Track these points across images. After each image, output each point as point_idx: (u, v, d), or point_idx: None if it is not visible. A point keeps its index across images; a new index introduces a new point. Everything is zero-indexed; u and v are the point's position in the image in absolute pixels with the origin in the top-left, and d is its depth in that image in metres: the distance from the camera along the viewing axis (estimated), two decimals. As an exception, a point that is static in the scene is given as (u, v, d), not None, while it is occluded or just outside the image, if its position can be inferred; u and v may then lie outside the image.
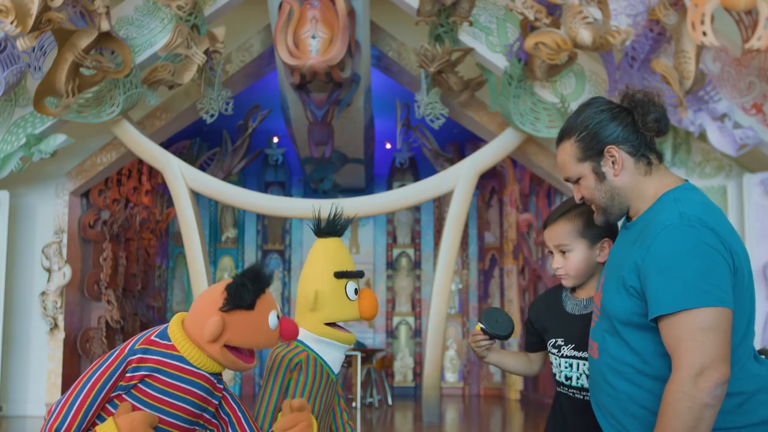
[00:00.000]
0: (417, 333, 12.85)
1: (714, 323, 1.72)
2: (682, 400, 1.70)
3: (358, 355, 10.02)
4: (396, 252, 13.18)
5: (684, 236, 1.77)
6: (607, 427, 1.94)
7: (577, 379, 2.20)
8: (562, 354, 2.23)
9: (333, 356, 2.30)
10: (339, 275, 2.28)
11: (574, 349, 2.21)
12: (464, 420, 9.51)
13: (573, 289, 2.30)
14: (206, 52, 7.23)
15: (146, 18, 7.49)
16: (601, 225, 2.05)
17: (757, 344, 6.75)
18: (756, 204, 6.92)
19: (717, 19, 5.83)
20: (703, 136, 6.82)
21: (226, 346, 1.92)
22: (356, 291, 2.31)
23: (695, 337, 1.71)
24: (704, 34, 5.61)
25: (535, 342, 2.39)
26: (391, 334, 12.90)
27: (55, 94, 6.94)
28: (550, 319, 2.31)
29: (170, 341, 1.92)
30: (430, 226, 13.13)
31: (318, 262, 2.33)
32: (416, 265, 13.11)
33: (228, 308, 1.89)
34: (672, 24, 6.05)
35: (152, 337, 1.93)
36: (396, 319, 12.97)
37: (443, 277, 8.14)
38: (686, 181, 1.96)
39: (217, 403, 2.01)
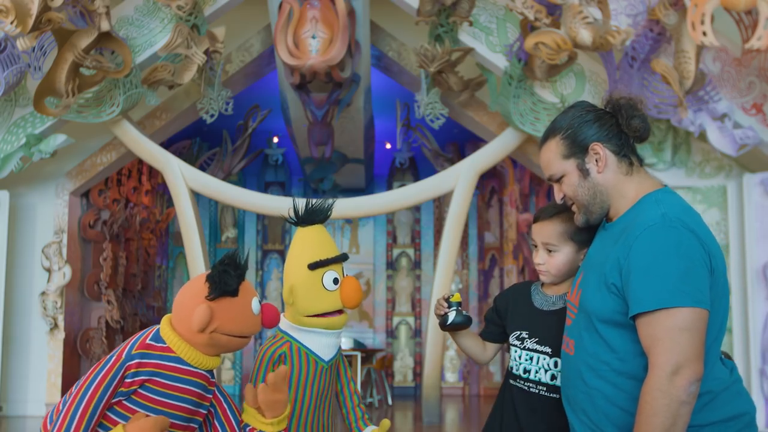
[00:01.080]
0: (417, 333, 12.85)
1: (690, 323, 1.76)
2: (660, 398, 1.74)
3: (358, 355, 10.02)
4: (396, 252, 13.17)
5: (665, 237, 1.81)
6: (578, 425, 1.96)
7: (536, 372, 2.21)
8: (525, 346, 2.23)
9: (320, 343, 2.24)
10: (313, 266, 2.21)
11: (537, 342, 2.21)
12: (464, 420, 9.51)
13: (543, 284, 2.31)
14: (206, 52, 7.23)
15: (146, 18, 7.49)
16: (581, 226, 2.07)
17: (757, 344, 6.75)
18: (756, 204, 6.92)
19: (717, 19, 5.83)
20: (703, 136, 6.82)
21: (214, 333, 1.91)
22: (336, 280, 2.24)
23: (672, 336, 1.75)
24: (704, 34, 5.61)
25: (494, 333, 2.38)
26: (391, 334, 12.90)
27: (55, 94, 6.94)
28: (516, 311, 2.31)
29: (165, 343, 1.92)
30: (430, 226, 13.13)
31: (293, 255, 2.27)
32: (416, 265, 13.11)
33: (214, 295, 1.90)
34: (672, 24, 6.05)
35: (147, 341, 1.92)
36: (396, 319, 12.96)
37: (443, 277, 8.14)
38: (665, 185, 2.01)
39: (211, 397, 2.01)
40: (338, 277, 2.24)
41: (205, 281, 1.93)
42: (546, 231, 2.21)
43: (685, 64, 6.08)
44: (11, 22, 6.03)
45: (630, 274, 1.82)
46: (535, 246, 2.25)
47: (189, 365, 1.91)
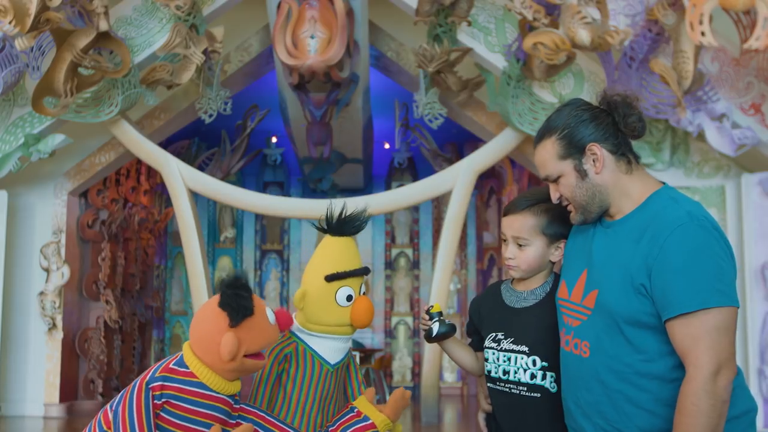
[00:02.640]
0: (415, 333, 12.85)
1: (727, 323, 1.78)
2: (705, 398, 1.74)
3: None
4: (394, 252, 13.17)
5: (696, 236, 1.82)
6: (590, 428, 1.95)
7: (515, 373, 2.16)
8: (502, 348, 2.19)
9: (327, 346, 2.23)
10: (330, 278, 2.19)
11: (513, 342, 2.17)
12: (462, 420, 9.51)
13: (512, 280, 2.27)
14: (205, 52, 7.23)
15: (145, 18, 7.49)
16: (578, 224, 2.05)
17: (756, 344, 6.75)
18: (754, 204, 6.93)
19: (715, 20, 5.83)
20: (701, 136, 6.82)
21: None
22: (350, 297, 2.20)
23: (712, 336, 1.76)
24: (703, 34, 5.61)
25: (478, 341, 2.33)
26: (390, 334, 12.90)
27: (53, 93, 6.93)
28: (488, 314, 2.27)
29: (188, 368, 1.98)
30: (428, 226, 13.12)
31: (315, 261, 2.25)
32: (415, 265, 13.11)
33: (237, 322, 1.95)
34: (670, 24, 6.05)
35: (171, 366, 1.98)
36: (394, 319, 12.97)
37: (442, 277, 8.14)
38: (665, 183, 2.00)
39: (234, 423, 2.06)
40: (353, 295, 2.21)
41: (219, 309, 1.96)
42: (516, 225, 2.16)
43: (683, 64, 6.09)
44: (9, 22, 6.02)
45: (663, 274, 1.81)
46: (505, 240, 2.21)
47: (211, 390, 1.97)
